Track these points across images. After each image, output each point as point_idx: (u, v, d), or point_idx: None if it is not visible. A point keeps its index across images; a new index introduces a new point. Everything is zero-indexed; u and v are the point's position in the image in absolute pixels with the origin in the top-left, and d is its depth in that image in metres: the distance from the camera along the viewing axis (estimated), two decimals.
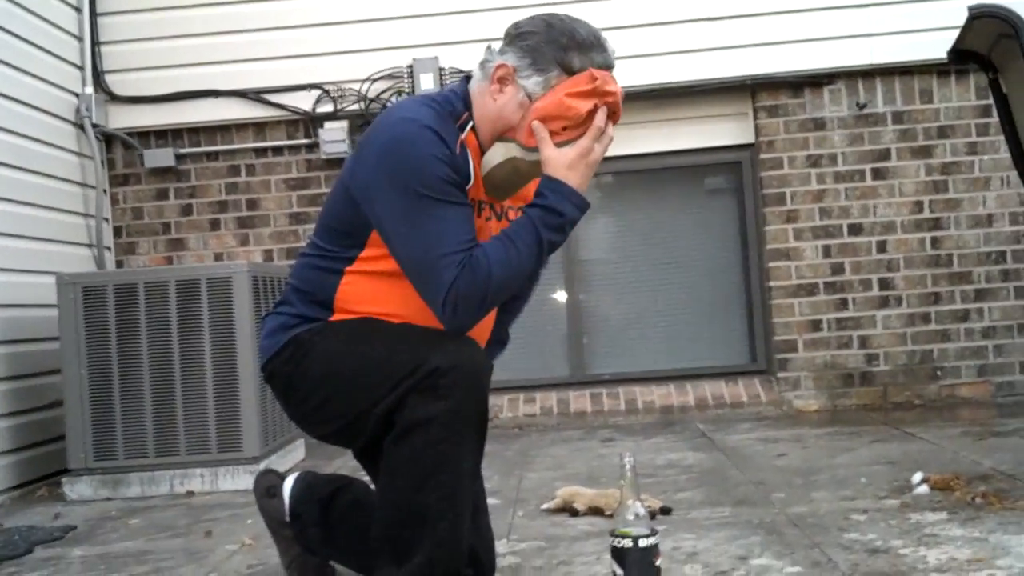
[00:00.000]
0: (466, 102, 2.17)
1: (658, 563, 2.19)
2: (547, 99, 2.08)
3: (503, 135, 2.15)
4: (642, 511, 2.17)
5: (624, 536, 2.15)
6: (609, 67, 2.11)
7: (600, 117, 2.07)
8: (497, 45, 2.17)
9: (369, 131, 2.13)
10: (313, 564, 2.54)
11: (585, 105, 2.06)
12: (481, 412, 2.07)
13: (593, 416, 5.23)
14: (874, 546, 2.58)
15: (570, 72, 2.08)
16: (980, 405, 5.02)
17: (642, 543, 2.14)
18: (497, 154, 2.14)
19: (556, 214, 2.05)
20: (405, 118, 2.07)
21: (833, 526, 2.80)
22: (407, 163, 2.02)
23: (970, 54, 3.43)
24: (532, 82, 2.10)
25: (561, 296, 5.46)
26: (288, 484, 2.55)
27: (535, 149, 2.09)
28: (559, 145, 2.08)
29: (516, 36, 2.12)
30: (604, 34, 2.13)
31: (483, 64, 2.17)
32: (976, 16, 3.17)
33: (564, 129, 2.08)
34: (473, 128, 2.16)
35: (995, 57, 3.35)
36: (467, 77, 2.23)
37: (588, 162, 2.08)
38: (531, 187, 2.17)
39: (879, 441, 4.13)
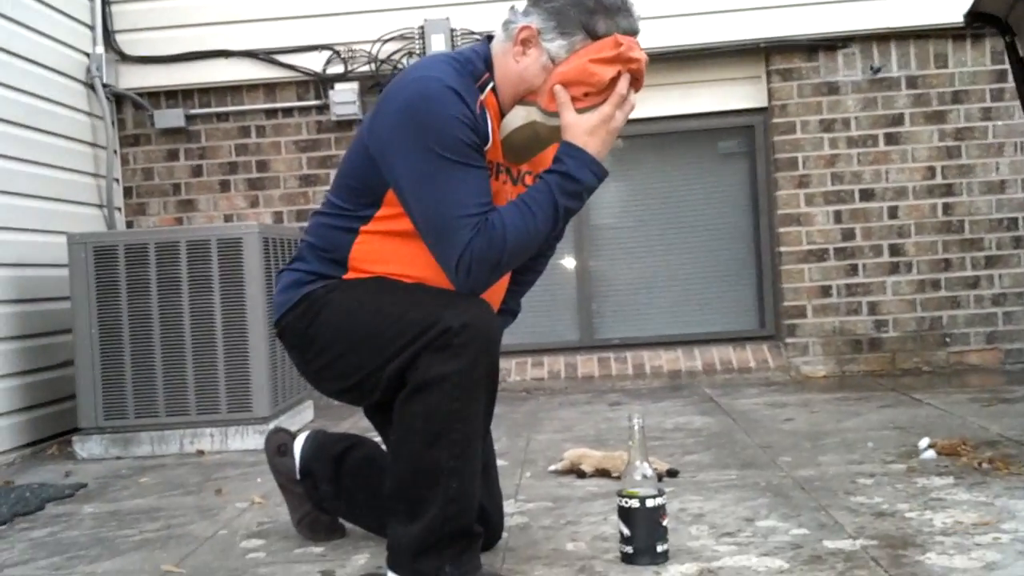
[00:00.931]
0: (487, 62, 2.16)
1: (665, 523, 2.21)
2: (570, 64, 2.07)
3: (524, 98, 2.13)
4: (650, 472, 2.19)
5: (631, 496, 2.17)
6: (634, 32, 2.09)
7: (623, 84, 2.06)
8: (521, 5, 2.15)
9: (389, 88, 2.13)
10: (324, 521, 2.57)
11: (608, 72, 2.04)
12: (492, 371, 2.07)
13: (601, 380, 5.24)
14: (880, 509, 2.58)
15: (595, 36, 2.07)
16: (989, 372, 5.01)
17: (649, 503, 2.16)
18: (517, 117, 2.13)
19: (574, 180, 2.05)
20: (427, 76, 2.06)
21: (840, 489, 2.81)
22: (427, 123, 2.01)
23: (987, 17, 3.40)
24: (556, 45, 2.08)
25: (570, 261, 5.45)
26: (299, 442, 2.57)
27: (556, 114, 2.08)
28: (580, 111, 2.07)
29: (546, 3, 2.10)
30: None
31: (506, 24, 2.16)
32: None
33: (586, 95, 2.07)
34: (493, 89, 2.15)
35: (1013, 20, 3.32)
36: (489, 37, 2.22)
37: (609, 129, 2.07)
38: (549, 152, 2.17)
39: (887, 407, 4.14)
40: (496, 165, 2.18)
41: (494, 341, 2.06)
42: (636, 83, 2.09)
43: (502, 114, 2.16)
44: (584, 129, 2.06)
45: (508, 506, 2.71)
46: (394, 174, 2.07)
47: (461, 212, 2.00)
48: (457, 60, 2.13)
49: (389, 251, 2.17)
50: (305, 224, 5.17)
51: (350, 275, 2.21)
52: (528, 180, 2.28)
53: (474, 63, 2.14)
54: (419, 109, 2.02)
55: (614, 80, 2.05)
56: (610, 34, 2.06)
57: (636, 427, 2.20)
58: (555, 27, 2.08)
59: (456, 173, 2.01)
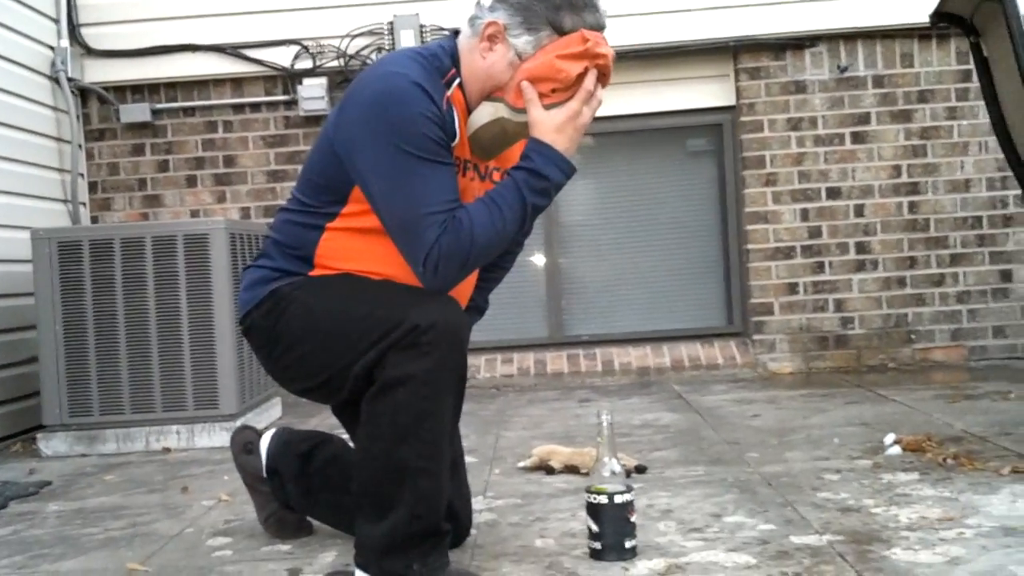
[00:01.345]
0: (454, 58, 2.14)
1: (633, 519, 2.21)
2: (537, 60, 2.06)
3: (491, 95, 2.13)
4: (618, 468, 2.19)
5: (600, 492, 2.17)
6: (601, 28, 2.09)
7: (590, 80, 2.05)
8: (487, 1, 2.14)
9: (355, 83, 2.11)
10: (291, 520, 2.56)
11: (576, 68, 2.04)
12: (460, 369, 2.07)
13: (570, 377, 5.25)
14: (846, 505, 2.60)
15: (561, 32, 2.06)
16: (953, 369, 5.07)
17: (617, 499, 2.16)
18: (484, 114, 2.12)
19: (541, 177, 2.04)
20: (393, 72, 2.04)
21: (806, 485, 2.83)
22: (393, 119, 2.00)
23: (952, 17, 3.44)
24: (522, 41, 2.08)
25: (540, 258, 5.46)
26: (265, 440, 2.55)
27: (523, 110, 2.08)
28: (548, 107, 2.06)
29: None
30: None
31: (472, 20, 2.15)
32: None
33: (553, 91, 2.06)
34: (460, 85, 2.14)
35: (977, 20, 3.35)
36: (455, 32, 2.21)
37: (576, 125, 2.06)
38: (517, 149, 2.16)
39: (853, 403, 4.17)
40: (463, 162, 2.17)
41: (462, 339, 2.05)
42: (603, 79, 2.09)
43: (469, 110, 2.15)
44: (551, 126, 2.05)
45: (477, 503, 2.71)
46: (360, 172, 2.06)
47: (428, 210, 1.99)
48: (423, 56, 2.11)
49: (356, 248, 2.16)
50: (272, 220, 5.16)
51: (316, 272, 2.19)
52: (496, 176, 2.28)
53: (440, 59, 2.13)
54: (385, 106, 2.01)
55: (581, 76, 2.05)
56: (576, 30, 2.05)
57: (605, 423, 2.21)
58: (521, 23, 2.07)
59: (422, 170, 2.00)
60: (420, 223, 1.99)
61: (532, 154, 2.05)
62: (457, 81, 2.13)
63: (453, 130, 2.08)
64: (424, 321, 1.98)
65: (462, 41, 2.17)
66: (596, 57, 2.04)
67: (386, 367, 2.00)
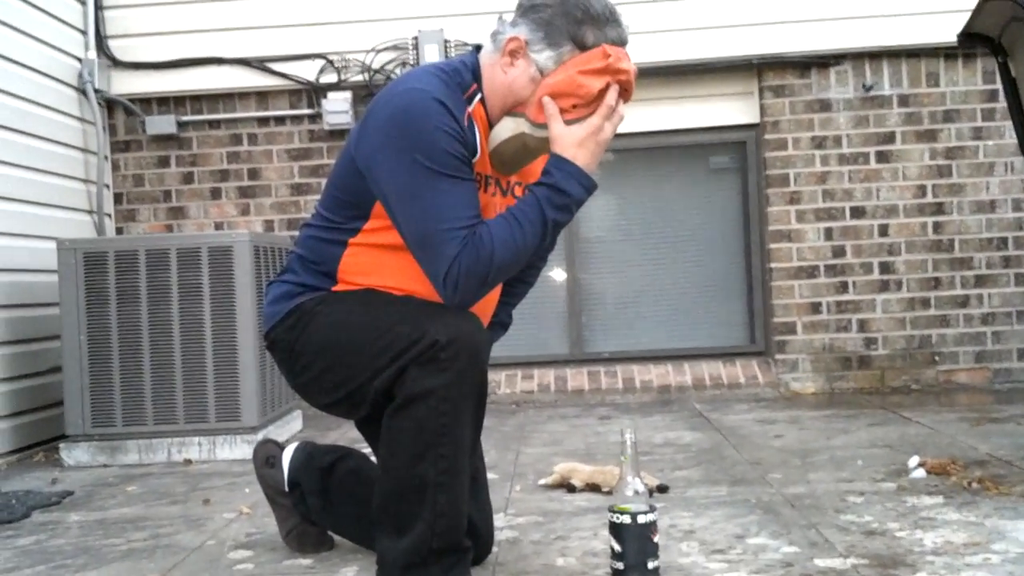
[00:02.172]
0: (475, 73, 2.15)
1: (656, 540, 2.19)
2: (558, 75, 2.06)
3: (512, 110, 2.13)
4: (641, 488, 2.17)
5: (623, 512, 2.15)
6: (623, 43, 2.09)
7: (611, 95, 2.05)
8: (509, 16, 2.14)
9: (376, 99, 2.12)
10: (312, 534, 2.56)
11: (597, 83, 2.04)
12: (480, 385, 2.06)
13: (591, 394, 5.23)
14: (871, 528, 2.58)
15: (583, 47, 2.06)
16: (977, 391, 5.03)
17: (641, 519, 2.14)
18: (505, 129, 2.12)
19: (562, 193, 2.04)
20: (414, 88, 2.05)
21: (830, 507, 2.81)
22: (414, 135, 2.00)
23: (980, 37, 3.42)
24: (544, 56, 2.07)
25: (561, 273, 5.45)
26: (287, 454, 2.55)
27: (544, 125, 2.08)
28: (569, 123, 2.06)
29: (529, 8, 2.09)
30: (619, 8, 2.10)
31: (494, 35, 2.15)
32: None
33: (574, 107, 2.06)
34: (482, 100, 2.14)
35: (1005, 41, 3.34)
36: (477, 47, 2.21)
37: (598, 141, 2.06)
38: (539, 164, 2.16)
39: (876, 424, 4.14)
40: (484, 177, 2.17)
41: (482, 355, 2.05)
42: (625, 94, 2.09)
43: (490, 125, 2.15)
44: (573, 141, 2.05)
45: (498, 520, 2.70)
46: (381, 187, 2.06)
47: (448, 225, 1.99)
48: (445, 71, 2.12)
49: (378, 263, 2.16)
50: (296, 233, 5.18)
51: (339, 287, 2.20)
52: (518, 191, 2.28)
53: (462, 74, 2.13)
54: (406, 121, 2.01)
55: (603, 91, 2.04)
56: (598, 45, 2.05)
57: (628, 442, 2.19)
58: (543, 38, 2.07)
59: (443, 185, 2.00)
60: (440, 239, 1.99)
61: (553, 169, 2.05)
62: (479, 96, 2.13)
63: (474, 146, 2.08)
64: (444, 336, 1.97)
65: (484, 56, 2.17)
66: (618, 72, 2.04)
67: (406, 382, 2.00)
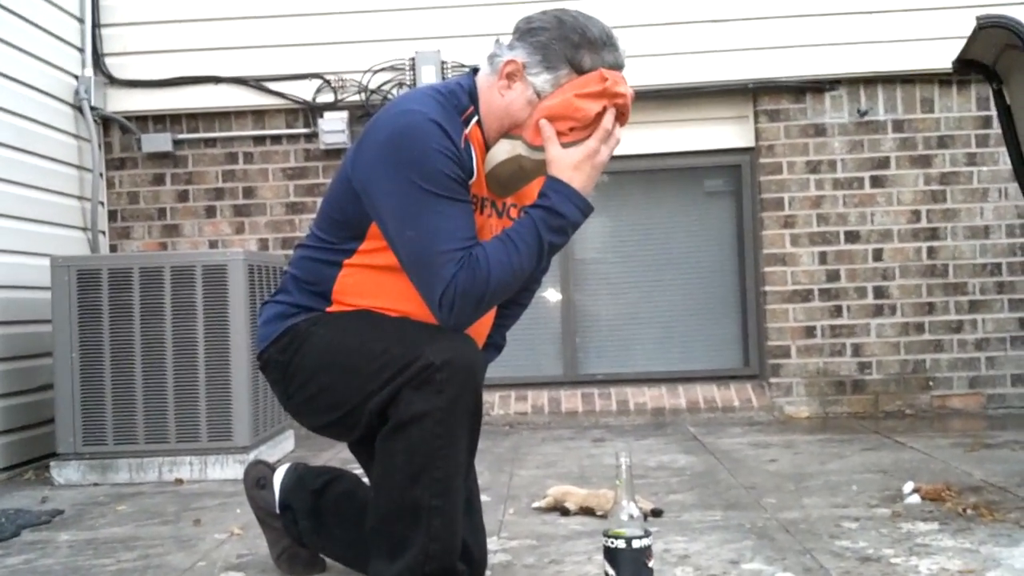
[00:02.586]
0: (472, 96, 2.15)
1: (650, 564, 2.18)
2: (555, 98, 2.07)
3: (509, 132, 2.13)
4: (636, 512, 2.16)
5: (618, 536, 2.14)
6: (620, 67, 2.09)
7: (608, 119, 2.05)
8: (506, 39, 2.14)
9: (374, 120, 2.12)
10: (303, 556, 2.53)
11: (594, 106, 2.04)
12: (475, 407, 2.05)
13: (584, 416, 5.22)
14: (865, 554, 2.57)
15: (580, 71, 2.06)
16: (971, 416, 5.02)
17: (636, 544, 2.12)
18: (502, 151, 2.12)
19: (558, 215, 2.04)
20: (411, 109, 2.05)
21: (824, 533, 2.80)
22: (410, 156, 2.00)
23: (975, 64, 3.43)
24: (541, 80, 2.08)
25: (555, 295, 5.45)
26: (279, 475, 2.53)
27: (541, 148, 2.08)
28: (566, 145, 2.06)
29: (527, 31, 2.10)
30: (615, 32, 2.11)
31: (491, 58, 2.15)
32: (984, 26, 3.17)
33: (571, 130, 2.06)
34: (479, 122, 2.14)
35: (1000, 67, 3.35)
36: (474, 70, 2.22)
37: (594, 164, 2.06)
38: (535, 186, 2.16)
39: (870, 449, 4.13)
40: (481, 199, 2.17)
41: (477, 377, 2.04)
42: (622, 118, 2.09)
43: (487, 147, 2.15)
44: (569, 163, 2.05)
45: (491, 543, 2.68)
46: (377, 208, 2.06)
47: (444, 247, 1.99)
48: (441, 93, 2.12)
49: (373, 285, 2.16)
50: (291, 252, 5.17)
51: (334, 308, 2.19)
52: (513, 213, 2.27)
53: (458, 96, 2.13)
54: (402, 143, 2.01)
55: (600, 115, 2.05)
56: (595, 68, 2.06)
57: (623, 465, 2.18)
58: (540, 61, 2.08)
59: (438, 207, 1.99)
60: (436, 260, 1.99)
61: (549, 192, 2.05)
62: (476, 119, 2.14)
63: (471, 167, 2.08)
64: (438, 359, 1.97)
65: (481, 78, 2.17)
66: (615, 96, 2.05)
67: (400, 405, 1.99)
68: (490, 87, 2.14)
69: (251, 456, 3.89)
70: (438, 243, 1.99)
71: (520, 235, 2.03)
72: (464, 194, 2.05)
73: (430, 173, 1.99)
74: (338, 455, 4.22)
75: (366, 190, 2.07)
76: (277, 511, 2.51)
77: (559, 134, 2.06)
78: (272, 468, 2.59)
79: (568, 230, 2.07)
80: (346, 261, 2.17)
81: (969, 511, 2.96)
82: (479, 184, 2.13)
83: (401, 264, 2.07)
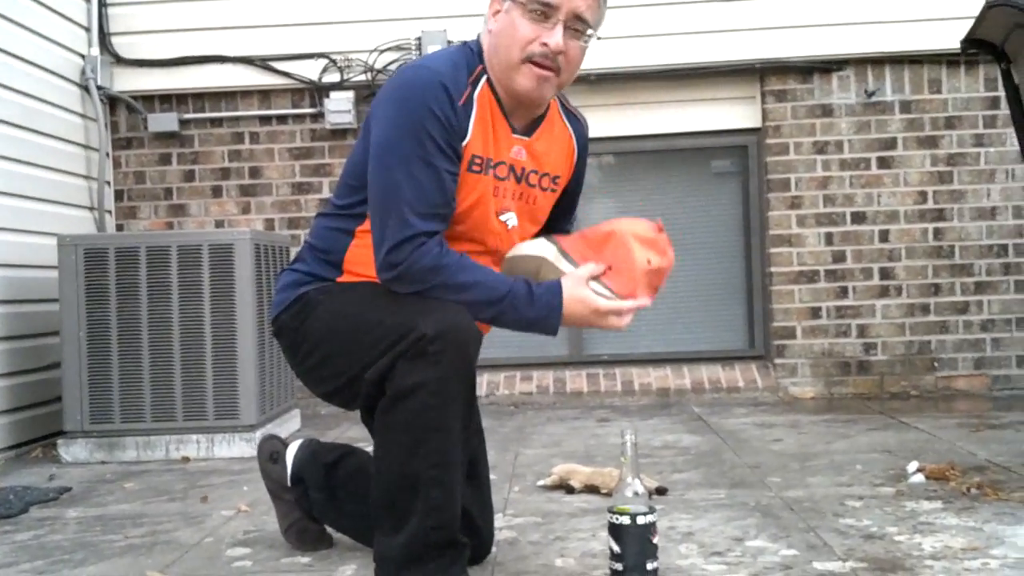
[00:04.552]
0: (480, 54, 2.19)
1: (655, 541, 2.19)
2: (619, 262, 2.10)
3: (550, 235, 2.17)
4: (641, 489, 2.17)
5: (622, 513, 2.15)
6: None
7: (632, 304, 2.11)
8: None
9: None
10: (312, 531, 2.56)
11: (642, 256, 2.09)
12: (469, 378, 2.07)
13: (589, 396, 5.23)
14: (869, 532, 2.58)
15: None
16: (976, 397, 5.03)
17: (640, 520, 2.14)
18: (531, 247, 2.16)
19: (533, 308, 2.06)
20: (423, 66, 2.12)
21: (829, 511, 2.81)
22: (407, 107, 2.05)
23: (984, 44, 3.42)
24: None
25: None
26: (291, 450, 2.55)
27: (570, 258, 2.09)
28: (597, 281, 2.09)
29: None
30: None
31: (486, 20, 2.21)
32: (992, 5, 3.15)
33: (610, 268, 2.10)
34: (488, 80, 2.15)
35: (1009, 47, 3.33)
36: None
37: (591, 320, 2.10)
38: (556, 156, 2.26)
39: (875, 430, 4.14)
40: (485, 160, 2.16)
41: (470, 348, 2.04)
42: (652, 290, 2.13)
43: (500, 104, 2.17)
44: (579, 297, 2.08)
45: (496, 520, 2.68)
46: (371, 149, 2.11)
47: (406, 200, 2.03)
48: (458, 54, 2.18)
49: None
50: (298, 232, 5.18)
51: (344, 278, 2.22)
52: (533, 179, 2.27)
53: (469, 59, 2.18)
54: (405, 94, 2.07)
55: (643, 273, 2.08)
56: None
57: (628, 443, 2.19)
58: None
59: (417, 164, 2.03)
60: (396, 210, 2.03)
61: (548, 292, 2.07)
62: (485, 77, 2.15)
63: (464, 129, 2.10)
64: (431, 330, 1.98)
65: (482, 35, 2.21)
66: (663, 252, 2.11)
67: (396, 376, 2.01)
68: (486, 34, 2.19)
69: (258, 434, 3.91)
70: (401, 194, 2.03)
71: (486, 286, 2.06)
72: (446, 161, 2.07)
73: (417, 131, 2.03)
74: (345, 433, 4.24)
75: (368, 131, 2.13)
76: (289, 484, 2.53)
77: (601, 275, 2.11)
78: (285, 443, 2.60)
79: (521, 325, 2.10)
80: (358, 228, 2.20)
81: (973, 490, 2.97)
82: (485, 146, 2.14)
83: (369, 205, 2.11)
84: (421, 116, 2.03)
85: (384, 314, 2.07)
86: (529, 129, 2.24)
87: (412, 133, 2.03)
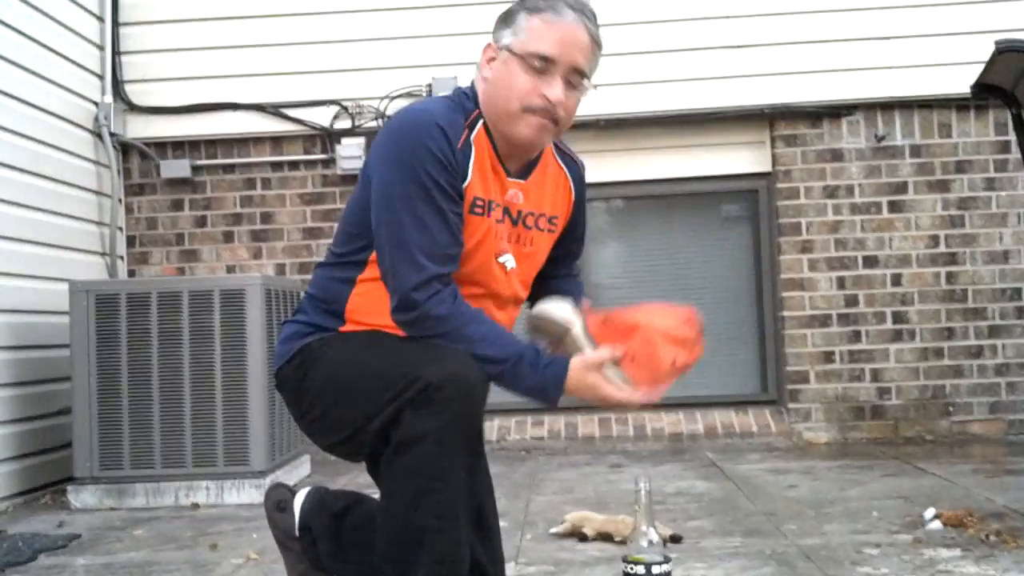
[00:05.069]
0: (475, 99, 2.18)
1: None
2: (648, 345, 2.07)
3: (576, 309, 2.13)
4: (656, 538, 2.15)
5: (637, 563, 2.12)
6: (582, 14, 2.09)
7: (641, 396, 2.07)
8: None
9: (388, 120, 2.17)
10: None
11: (669, 355, 2.05)
12: (474, 426, 2.04)
13: (601, 441, 5.19)
14: None
15: (534, 9, 2.08)
16: (992, 442, 4.97)
17: (655, 570, 2.11)
18: (559, 312, 2.13)
19: (537, 375, 2.02)
20: (419, 109, 2.10)
21: (846, 559, 2.77)
22: (404, 151, 2.04)
23: (994, 88, 3.42)
24: (506, 37, 2.11)
25: None
26: (299, 498, 2.52)
27: (591, 340, 2.07)
28: (613, 367, 2.05)
29: (496, 21, 2.16)
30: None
31: (480, 66, 2.21)
32: (1002, 51, 3.16)
33: (633, 359, 2.06)
34: (484, 124, 2.15)
35: (1019, 92, 3.34)
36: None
37: (595, 399, 2.06)
38: (552, 193, 2.22)
39: (890, 475, 4.10)
40: (487, 202, 2.15)
41: (476, 396, 2.02)
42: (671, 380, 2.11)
43: (495, 149, 2.16)
44: (588, 382, 2.03)
45: (509, 569, 2.66)
46: (372, 197, 2.09)
47: (417, 243, 2.02)
48: (453, 100, 2.17)
49: (384, 303, 2.16)
50: (308, 277, 5.18)
51: (347, 327, 2.19)
52: (530, 221, 2.26)
53: (463, 103, 2.17)
54: (401, 137, 2.06)
55: (668, 367, 2.05)
56: (550, 8, 2.06)
57: (643, 491, 2.17)
58: (501, 26, 2.12)
59: (420, 206, 2.02)
60: (405, 253, 2.02)
61: (552, 367, 2.04)
62: (481, 121, 2.15)
63: (465, 169, 2.09)
64: (436, 378, 1.96)
65: (476, 80, 2.21)
66: (691, 348, 2.08)
67: (401, 426, 1.99)
68: (480, 80, 2.18)
69: (267, 480, 3.88)
70: (413, 236, 2.02)
71: (503, 343, 2.04)
72: (448, 202, 2.05)
73: (418, 172, 2.02)
74: (355, 480, 4.21)
75: (368, 179, 2.11)
76: (296, 534, 2.50)
77: (620, 359, 2.07)
78: (292, 491, 2.57)
79: (520, 391, 2.06)
80: (359, 276, 2.18)
81: (992, 537, 2.93)
82: (484, 188, 2.13)
83: (378, 257, 2.09)
84: (421, 157, 2.02)
85: (388, 363, 2.05)
86: (524, 172, 2.24)
87: (412, 175, 2.02)
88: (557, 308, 2.15)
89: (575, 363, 2.05)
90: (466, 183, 2.10)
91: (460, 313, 2.03)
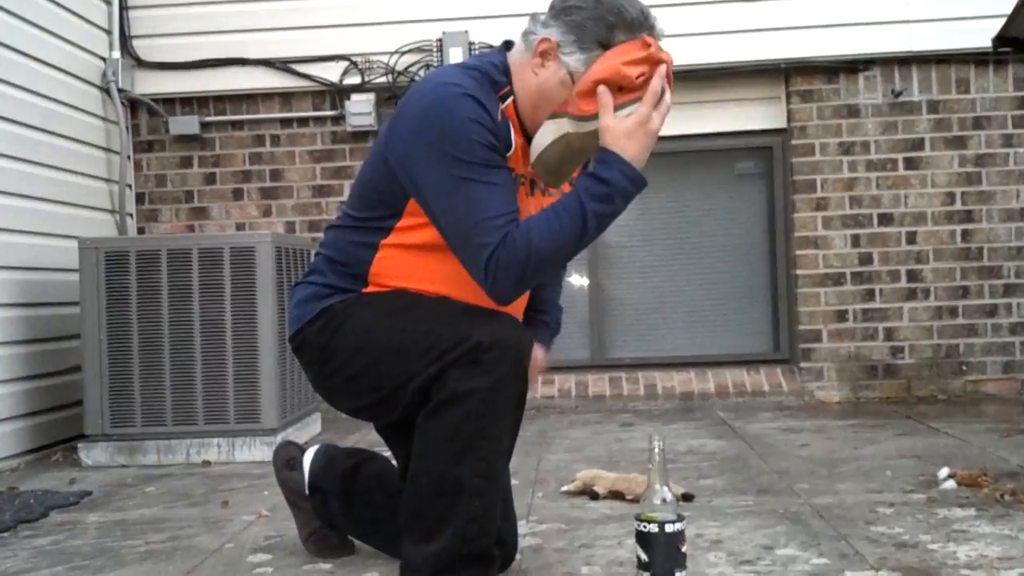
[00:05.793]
0: (506, 73, 2.11)
1: (683, 550, 2.14)
2: (600, 65, 2.01)
3: (553, 112, 2.07)
4: (669, 496, 2.13)
5: (650, 521, 2.10)
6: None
7: (656, 82, 1.97)
8: (542, 16, 2.10)
9: (407, 97, 2.08)
10: (332, 538, 2.52)
11: (639, 70, 1.98)
12: (521, 389, 2.03)
13: (612, 400, 5.18)
14: (902, 540, 2.52)
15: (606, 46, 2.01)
16: (1005, 402, 4.95)
17: (669, 529, 2.09)
18: (548, 133, 2.05)
19: (602, 182, 1.95)
20: (444, 83, 2.02)
21: (859, 518, 2.75)
22: (445, 129, 1.96)
23: (1016, 41, 3.36)
24: (574, 59, 2.03)
25: (583, 279, 5.40)
26: (308, 456, 2.52)
27: (588, 117, 2.00)
28: (618, 108, 1.98)
29: (562, 10, 2.04)
30: (652, 11, 2.06)
31: (526, 35, 2.11)
32: None
33: (620, 89, 1.99)
34: (514, 100, 2.10)
35: None
36: (507, 44, 2.18)
37: (647, 131, 1.98)
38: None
39: (903, 435, 4.07)
40: (517, 176, 2.12)
41: (524, 358, 2.01)
42: (669, 81, 2.03)
43: (522, 126, 2.11)
44: (622, 132, 1.96)
45: (520, 527, 2.65)
46: (418, 185, 2.02)
47: (485, 215, 1.94)
48: (477, 70, 2.08)
49: (411, 266, 2.13)
50: (318, 235, 5.15)
51: (371, 289, 2.16)
52: (552, 190, 2.24)
53: (492, 75, 2.09)
54: (436, 117, 1.97)
55: (646, 81, 1.99)
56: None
57: (656, 449, 2.14)
58: (574, 41, 2.02)
59: (478, 177, 1.96)
60: (479, 230, 1.95)
61: (597, 161, 1.99)
62: (511, 97, 2.10)
63: (508, 140, 2.04)
64: (487, 338, 1.94)
65: (514, 56, 2.13)
66: (658, 61, 1.99)
67: (446, 384, 1.97)
68: (523, 64, 2.10)
69: (278, 438, 3.88)
70: (479, 213, 1.95)
71: (564, 205, 1.97)
72: (501, 162, 2.01)
73: (466, 143, 1.95)
74: (365, 437, 4.21)
75: (404, 168, 2.03)
76: (307, 492, 2.49)
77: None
78: (302, 449, 2.57)
79: (615, 198, 1.98)
80: (383, 242, 2.13)
81: (1007, 497, 2.91)
82: (515, 159, 2.09)
83: (444, 237, 2.03)
84: (462, 129, 1.95)
85: (433, 322, 2.02)
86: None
87: (458, 148, 1.95)
88: (542, 136, 2.07)
89: (607, 138, 1.98)
90: (510, 152, 2.05)
91: (522, 249, 1.93)
